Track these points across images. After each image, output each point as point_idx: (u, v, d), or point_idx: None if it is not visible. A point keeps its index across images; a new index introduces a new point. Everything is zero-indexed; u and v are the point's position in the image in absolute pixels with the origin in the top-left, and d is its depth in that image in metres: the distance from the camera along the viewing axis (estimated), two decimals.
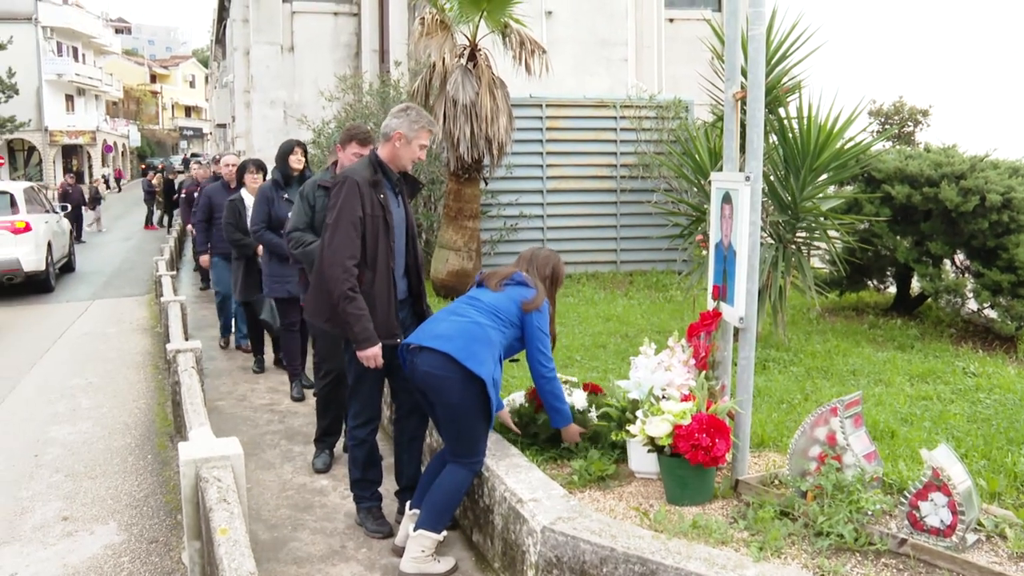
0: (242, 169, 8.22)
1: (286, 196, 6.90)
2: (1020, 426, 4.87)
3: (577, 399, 4.65)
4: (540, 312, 4.20)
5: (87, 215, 26.72)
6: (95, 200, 28.49)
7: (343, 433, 5.60)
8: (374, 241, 4.24)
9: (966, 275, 8.06)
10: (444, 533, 4.06)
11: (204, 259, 9.69)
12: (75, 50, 53.49)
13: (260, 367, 8.32)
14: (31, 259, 13.80)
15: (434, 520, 3.97)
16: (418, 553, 3.96)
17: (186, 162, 20.30)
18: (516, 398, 4.90)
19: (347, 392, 4.59)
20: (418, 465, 4.64)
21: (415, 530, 3.97)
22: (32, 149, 49.20)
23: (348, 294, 4.14)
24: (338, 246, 4.16)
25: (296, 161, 7.05)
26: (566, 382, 4.88)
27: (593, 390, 4.85)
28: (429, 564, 3.98)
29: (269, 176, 7.53)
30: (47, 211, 15.77)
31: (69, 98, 51.62)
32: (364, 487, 4.59)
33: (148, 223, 28.83)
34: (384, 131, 4.37)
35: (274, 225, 6.86)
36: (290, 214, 5.68)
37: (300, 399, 7.13)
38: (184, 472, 3.50)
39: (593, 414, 4.60)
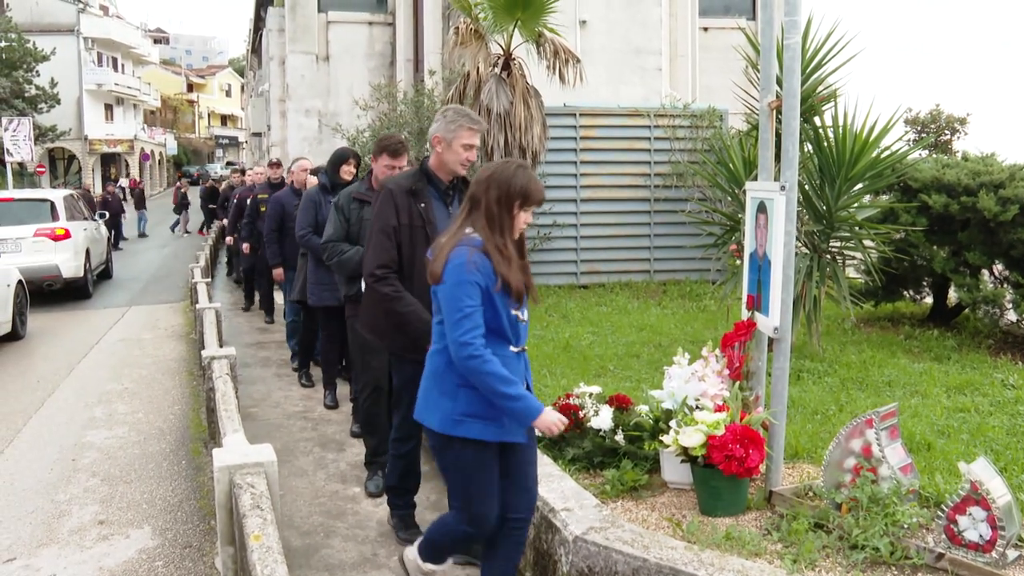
0: (315, 173, 8.02)
1: (333, 202, 6.81)
2: None
3: (603, 418, 4.53)
4: (445, 282, 3.12)
5: (126, 220, 27.44)
6: (183, 205, 29.39)
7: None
8: (411, 252, 4.08)
9: (1005, 285, 7.94)
10: (437, 568, 3.57)
11: (278, 273, 8.87)
12: (115, 60, 54.32)
13: (309, 380, 7.93)
14: (70, 266, 14.00)
15: (425, 548, 3.55)
16: (409, 571, 3.67)
17: (242, 171, 19.99)
18: None
19: (392, 404, 4.50)
20: None
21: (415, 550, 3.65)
22: (72, 157, 50.00)
23: (391, 294, 4.04)
24: (371, 256, 4.10)
25: (347, 172, 6.94)
26: (588, 394, 4.80)
27: (620, 403, 4.69)
28: None
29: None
30: (86, 218, 16.01)
31: (108, 107, 52.42)
32: (399, 494, 4.52)
33: (201, 229, 29.14)
34: (428, 139, 4.21)
35: (320, 230, 6.75)
36: (327, 224, 5.58)
37: (334, 407, 7.14)
38: (218, 478, 3.52)
39: (620, 436, 4.48)
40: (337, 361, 7.33)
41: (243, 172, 18.03)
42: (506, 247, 3.16)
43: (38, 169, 37.41)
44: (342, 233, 5.39)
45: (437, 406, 3.22)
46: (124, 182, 45.30)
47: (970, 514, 3.22)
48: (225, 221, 15.42)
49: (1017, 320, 7.91)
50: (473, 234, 3.17)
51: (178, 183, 34.22)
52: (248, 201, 11.31)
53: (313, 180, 7.91)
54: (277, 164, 10.94)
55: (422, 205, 4.10)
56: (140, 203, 30.99)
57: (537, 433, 3.37)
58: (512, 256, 3.17)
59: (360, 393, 5.44)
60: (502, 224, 3.17)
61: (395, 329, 4.12)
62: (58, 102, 40.09)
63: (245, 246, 11.33)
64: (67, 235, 14.02)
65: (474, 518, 3.31)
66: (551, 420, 3.14)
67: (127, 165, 53.88)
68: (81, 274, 14.37)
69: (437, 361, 3.26)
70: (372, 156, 5.42)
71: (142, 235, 29.47)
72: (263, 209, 10.16)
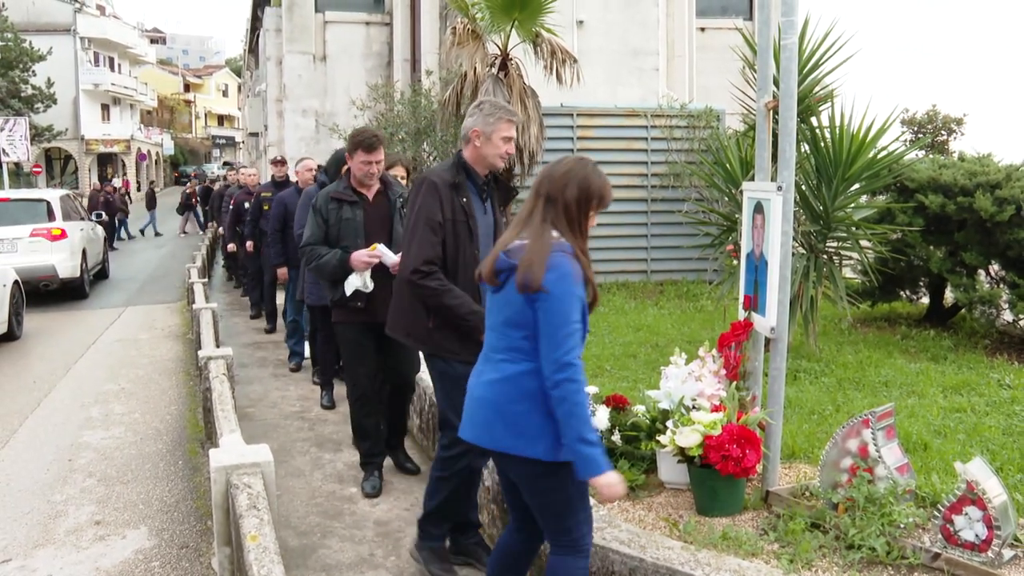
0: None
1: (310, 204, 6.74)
2: None
3: (600, 418, 4.41)
4: (551, 294, 2.77)
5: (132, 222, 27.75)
6: (187, 206, 29.70)
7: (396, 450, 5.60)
8: (455, 249, 3.90)
9: (1001, 286, 7.95)
10: None
11: (282, 272, 8.76)
12: (111, 60, 54.23)
13: (330, 402, 7.28)
14: (66, 266, 13.98)
15: None
16: None
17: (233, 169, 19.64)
18: None
19: (440, 415, 4.12)
20: (473, 502, 4.26)
21: None
22: (68, 157, 49.94)
23: (439, 288, 3.82)
24: (416, 251, 3.84)
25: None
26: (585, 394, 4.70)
27: (617, 403, 4.61)
28: None
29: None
30: (82, 219, 15.99)
31: (105, 107, 52.33)
32: (437, 521, 4.08)
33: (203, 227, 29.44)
34: (463, 134, 4.05)
35: None
36: (305, 227, 5.40)
37: (330, 407, 7.14)
38: (215, 478, 3.52)
39: (616, 436, 4.43)
40: (335, 361, 7.33)
41: (235, 171, 17.62)
42: (586, 252, 2.91)
43: (34, 169, 37.36)
44: (320, 236, 5.20)
45: (542, 431, 2.83)
46: (117, 182, 45.33)
47: (966, 514, 3.22)
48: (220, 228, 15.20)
49: (1013, 320, 7.92)
50: (562, 239, 2.86)
51: (187, 184, 34.58)
52: (251, 200, 11.17)
53: None
54: (282, 162, 10.76)
55: (464, 199, 3.94)
56: (151, 203, 31.72)
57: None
58: (589, 263, 2.91)
59: (350, 397, 5.42)
60: (581, 226, 2.92)
61: (440, 329, 3.92)
62: (54, 102, 40.02)
63: (249, 244, 11.19)
64: (63, 235, 14.00)
65: (585, 547, 3.02)
66: (615, 484, 2.79)
67: (124, 165, 53.80)
68: (78, 274, 14.35)
69: (531, 382, 2.85)
70: (347, 154, 5.27)
71: (157, 234, 30.29)
72: (267, 208, 10.15)
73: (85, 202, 25.42)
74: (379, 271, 5.05)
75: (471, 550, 4.20)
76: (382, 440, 5.40)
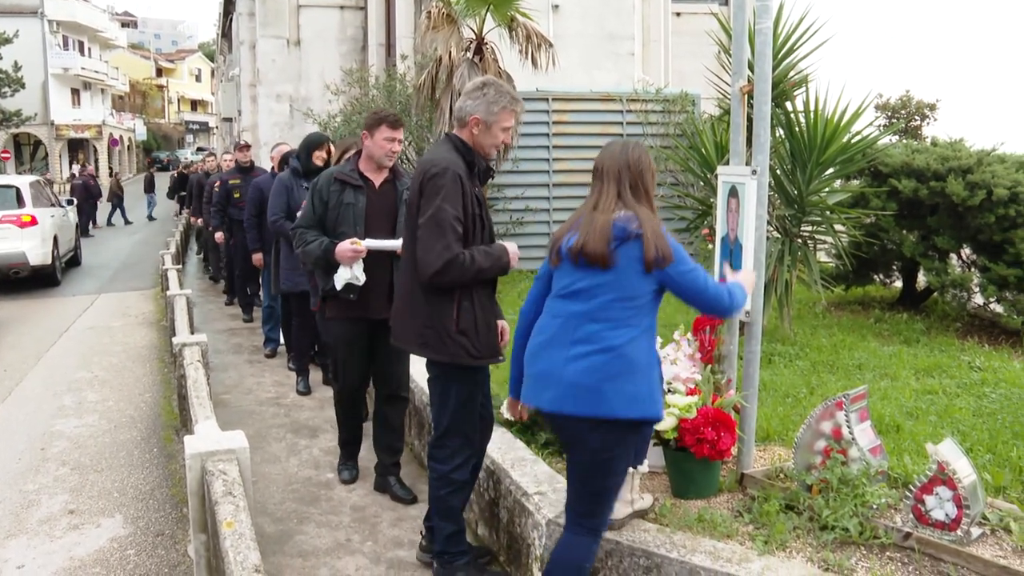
0: (286, 159, 7.72)
1: (305, 186, 6.49)
2: None
3: None
4: (687, 264, 3.10)
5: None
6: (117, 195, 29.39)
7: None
8: (470, 244, 3.64)
9: (972, 269, 8.03)
10: None
11: (258, 258, 8.65)
12: (81, 44, 53.55)
13: (306, 388, 7.26)
14: (37, 253, 13.83)
15: None
16: None
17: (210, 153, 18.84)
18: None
19: (441, 426, 3.86)
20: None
21: None
22: (38, 143, 49.33)
23: (465, 265, 3.55)
24: (441, 252, 3.51)
25: (319, 158, 6.76)
26: None
27: None
28: None
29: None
30: (53, 205, 15.80)
31: (75, 92, 51.71)
32: (458, 541, 3.86)
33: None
34: (459, 115, 3.75)
35: (292, 215, 6.58)
36: (301, 208, 5.15)
37: (306, 393, 7.12)
38: (190, 465, 3.51)
39: None
40: (310, 347, 7.31)
41: (214, 156, 17.22)
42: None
43: (2, 155, 36.97)
44: (313, 220, 4.86)
45: (637, 396, 3.01)
46: (75, 169, 44.57)
47: (937, 494, 3.26)
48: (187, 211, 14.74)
49: (984, 303, 8.01)
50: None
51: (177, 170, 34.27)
52: (216, 187, 10.93)
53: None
54: (246, 147, 10.66)
55: (477, 189, 3.72)
56: (149, 187, 31.70)
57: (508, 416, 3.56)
58: None
59: (335, 396, 5.17)
60: (652, 207, 3.18)
61: (463, 333, 3.65)
62: (22, 86, 39.40)
63: (219, 235, 10.99)
64: (34, 222, 13.84)
65: (602, 532, 3.25)
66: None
67: (95, 151, 53.20)
68: (49, 261, 14.20)
69: (636, 348, 3.04)
70: (364, 132, 4.85)
71: (151, 218, 30.18)
72: (237, 195, 10.06)
73: (60, 188, 25.12)
74: (374, 263, 4.69)
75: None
76: (361, 427, 5.23)
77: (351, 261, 4.63)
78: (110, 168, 49.51)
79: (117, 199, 29.00)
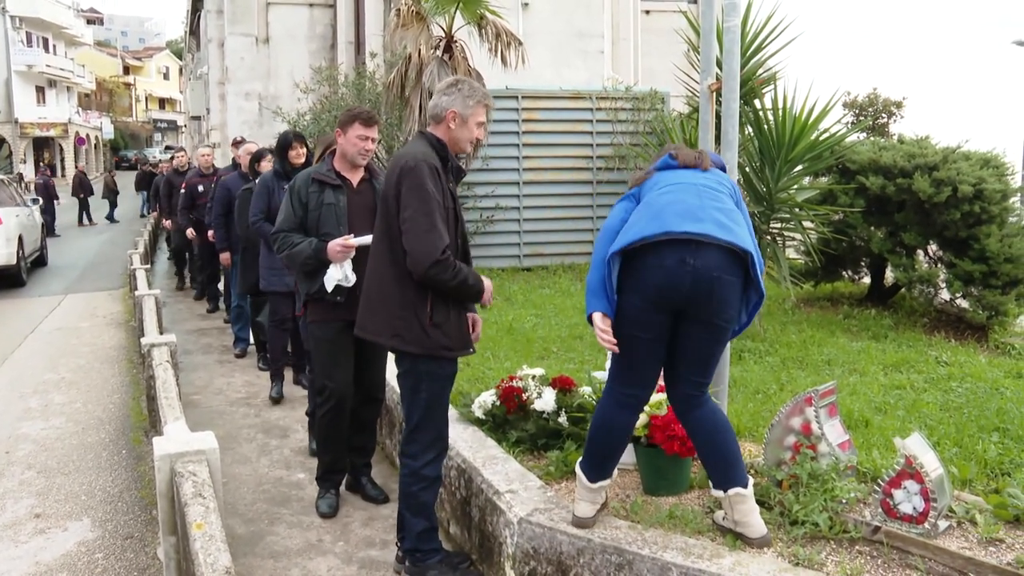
0: (258, 157, 7.64)
1: (286, 187, 6.45)
2: (991, 414, 4.93)
3: (546, 400, 4.44)
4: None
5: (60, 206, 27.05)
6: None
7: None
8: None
9: (939, 265, 8.14)
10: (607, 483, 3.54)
11: (225, 257, 8.61)
12: (45, 41, 52.84)
13: (279, 394, 7.01)
14: (1, 253, 13.64)
15: (588, 462, 3.54)
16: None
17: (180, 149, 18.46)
18: (486, 399, 4.72)
19: (412, 422, 3.79)
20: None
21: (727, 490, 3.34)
22: (2, 141, 48.65)
23: (460, 269, 3.59)
24: (436, 239, 3.51)
25: (295, 156, 6.57)
26: (532, 376, 4.71)
27: (564, 385, 4.61)
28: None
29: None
30: (18, 204, 15.57)
31: (40, 90, 51.02)
32: (432, 537, 3.85)
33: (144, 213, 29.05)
34: (434, 112, 3.73)
35: (273, 216, 6.41)
36: (279, 211, 4.96)
37: (279, 399, 6.91)
38: (159, 467, 3.48)
39: (563, 418, 4.41)
40: (285, 350, 7.14)
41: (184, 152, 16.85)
42: None
43: None
44: (295, 222, 4.74)
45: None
46: (24, 168, 43.57)
47: (905, 487, 3.29)
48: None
49: (950, 299, 8.11)
50: None
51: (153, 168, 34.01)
52: (182, 189, 10.98)
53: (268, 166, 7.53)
54: (210, 152, 10.86)
55: (450, 184, 3.72)
56: (141, 185, 30.96)
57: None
58: None
59: (322, 406, 4.73)
60: None
61: (439, 325, 3.65)
62: None
63: (190, 231, 10.84)
64: None
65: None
66: None
67: (61, 149, 52.55)
68: (14, 261, 13.99)
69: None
70: (337, 129, 4.75)
71: (111, 219, 29.71)
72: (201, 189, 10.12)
73: (25, 187, 24.84)
74: (357, 264, 4.51)
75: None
76: (345, 457, 4.90)
77: (343, 258, 4.53)
78: (76, 166, 48.94)
79: (112, 195, 29.16)
